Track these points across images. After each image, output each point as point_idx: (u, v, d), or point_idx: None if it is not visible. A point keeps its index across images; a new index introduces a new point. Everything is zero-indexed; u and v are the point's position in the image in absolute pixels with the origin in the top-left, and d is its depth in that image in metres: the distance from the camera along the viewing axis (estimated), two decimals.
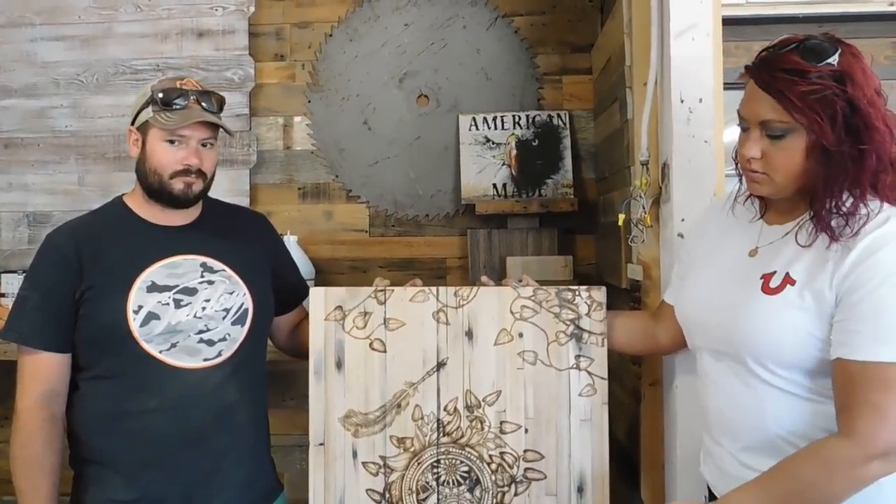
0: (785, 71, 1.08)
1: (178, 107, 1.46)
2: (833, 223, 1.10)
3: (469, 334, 1.50)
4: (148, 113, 1.47)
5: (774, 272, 1.16)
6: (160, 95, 1.46)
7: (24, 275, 1.55)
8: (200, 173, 1.49)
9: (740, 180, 1.30)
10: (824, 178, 1.10)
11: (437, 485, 1.50)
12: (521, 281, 1.55)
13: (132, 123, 1.52)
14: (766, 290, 1.15)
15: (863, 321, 1.05)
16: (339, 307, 1.52)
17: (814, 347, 1.11)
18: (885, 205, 1.11)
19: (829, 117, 1.06)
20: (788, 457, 1.11)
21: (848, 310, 1.07)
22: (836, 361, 1.08)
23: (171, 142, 1.47)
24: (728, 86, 1.61)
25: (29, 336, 1.44)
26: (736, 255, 1.26)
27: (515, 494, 1.48)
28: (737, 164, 1.30)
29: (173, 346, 1.44)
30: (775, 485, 1.09)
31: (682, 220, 1.55)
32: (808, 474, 1.07)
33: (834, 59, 1.07)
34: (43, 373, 1.44)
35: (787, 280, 1.13)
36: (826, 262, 1.10)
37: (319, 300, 1.53)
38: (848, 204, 1.09)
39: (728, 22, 1.73)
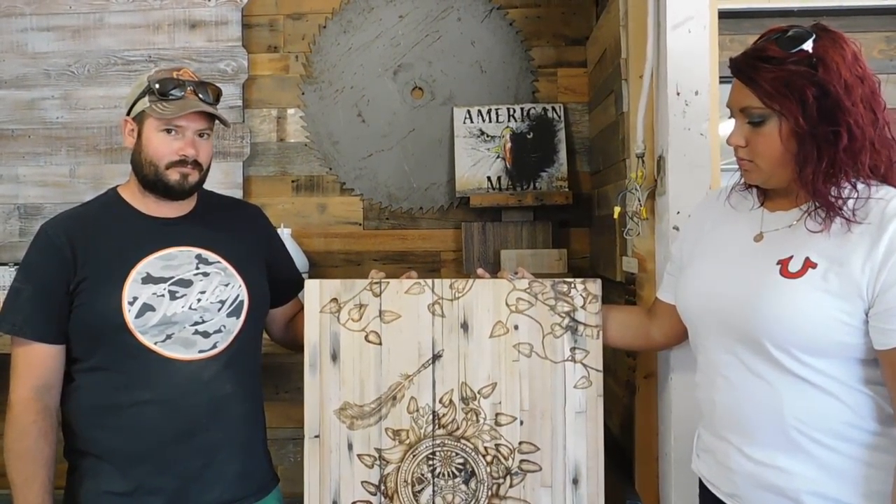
0: (759, 59, 1.13)
1: (174, 97, 1.45)
2: (845, 207, 1.10)
3: (464, 326, 1.50)
4: (144, 103, 1.46)
5: (791, 256, 1.14)
6: (157, 85, 1.45)
7: (15, 267, 1.54)
8: (196, 164, 1.49)
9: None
10: (800, 161, 1.11)
11: (433, 477, 1.50)
12: (516, 273, 1.55)
13: (128, 114, 1.51)
14: (786, 274, 1.13)
15: None
16: (335, 299, 1.52)
17: (839, 331, 1.08)
18: (882, 185, 1.11)
19: (799, 102, 1.09)
20: None
21: None
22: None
23: (168, 132, 1.46)
24: (724, 79, 1.61)
25: (22, 328, 1.43)
26: (740, 242, 1.24)
27: (511, 486, 1.48)
28: None
29: (168, 337, 1.43)
30: None
31: (678, 212, 1.56)
32: None
33: (808, 45, 1.10)
34: (37, 365, 1.42)
35: (809, 264, 1.12)
36: (849, 245, 1.09)
37: (315, 292, 1.53)
38: (846, 188, 1.10)
39: (724, 15, 1.73)
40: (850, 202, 1.10)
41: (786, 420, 1.14)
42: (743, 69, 1.15)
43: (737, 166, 1.31)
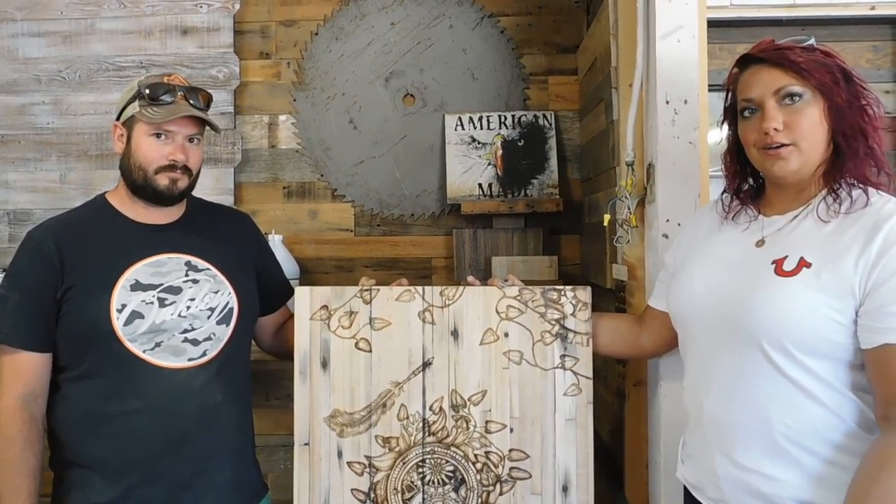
0: (784, 48, 1.18)
1: (164, 102, 1.45)
2: (852, 194, 1.15)
3: (455, 334, 1.51)
4: (134, 108, 1.46)
5: (786, 256, 1.16)
6: (147, 90, 1.45)
7: (3, 273, 1.53)
8: (186, 169, 1.48)
9: (726, 189, 1.32)
10: (845, 137, 1.15)
11: (423, 484, 1.50)
12: (506, 280, 1.55)
13: (117, 119, 1.51)
14: (781, 272, 1.15)
15: None
16: (325, 306, 1.52)
17: (830, 329, 1.10)
18: (878, 190, 1.16)
19: (832, 81, 1.14)
20: (863, 476, 1.05)
21: (887, 295, 1.06)
22: (882, 348, 1.06)
23: (157, 136, 1.46)
24: (713, 87, 1.62)
25: (9, 335, 1.41)
26: (740, 248, 1.25)
27: (500, 494, 1.48)
28: (724, 167, 1.32)
29: (157, 345, 1.43)
30: None
31: (667, 220, 1.56)
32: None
33: (813, 42, 1.19)
34: (23, 373, 1.41)
35: (803, 263, 1.14)
36: (843, 245, 1.11)
37: (305, 299, 1.52)
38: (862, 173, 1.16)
39: (713, 24, 1.74)
40: (848, 201, 1.15)
41: (773, 426, 1.14)
42: (778, 56, 1.17)
43: (723, 172, 1.33)
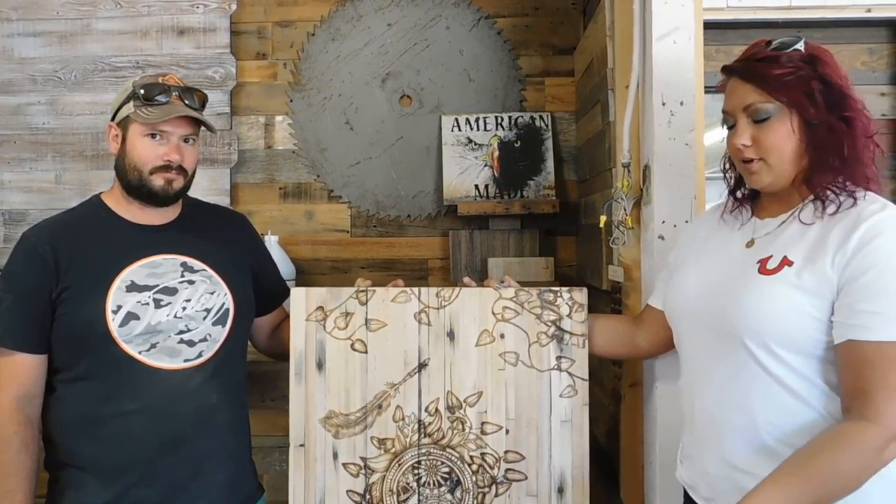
0: (759, 61, 1.17)
1: (159, 102, 1.44)
2: (840, 198, 1.14)
3: (451, 335, 1.50)
4: (129, 108, 1.45)
5: (771, 256, 1.17)
6: (142, 91, 1.44)
7: None
8: (181, 170, 1.48)
9: (729, 193, 1.32)
10: (816, 150, 1.14)
11: (418, 486, 1.49)
12: (502, 282, 1.55)
13: (112, 119, 1.50)
14: (764, 271, 1.16)
15: (875, 301, 1.06)
16: (321, 307, 1.52)
17: (813, 327, 1.11)
18: (868, 192, 1.15)
19: (806, 94, 1.13)
20: (807, 448, 1.07)
21: (857, 291, 1.07)
22: (847, 344, 1.07)
23: (152, 136, 1.45)
24: (709, 89, 1.62)
25: (3, 336, 1.41)
26: (732, 249, 1.27)
27: (496, 495, 1.48)
28: (724, 169, 1.33)
29: (153, 346, 1.42)
30: (799, 479, 1.04)
31: (663, 222, 1.57)
32: (836, 464, 1.04)
33: (801, 46, 1.16)
34: (18, 374, 1.41)
35: (785, 262, 1.15)
36: (826, 245, 1.12)
37: (301, 300, 1.52)
38: (845, 180, 1.15)
39: (709, 26, 1.74)
40: (836, 204, 1.15)
41: (759, 424, 1.15)
42: (743, 69, 1.17)
43: (722, 174, 1.34)
